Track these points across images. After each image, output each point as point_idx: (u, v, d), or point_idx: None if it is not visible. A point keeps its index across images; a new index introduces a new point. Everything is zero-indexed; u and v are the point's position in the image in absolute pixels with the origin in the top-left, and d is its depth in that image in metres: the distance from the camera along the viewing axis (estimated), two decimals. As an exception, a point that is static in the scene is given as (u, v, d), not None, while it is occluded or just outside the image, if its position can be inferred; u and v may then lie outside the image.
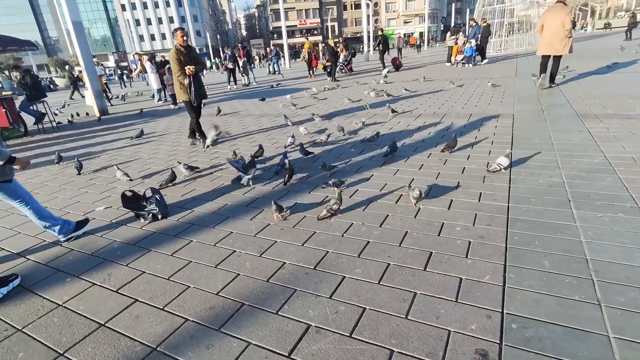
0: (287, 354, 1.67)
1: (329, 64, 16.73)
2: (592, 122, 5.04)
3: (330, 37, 50.55)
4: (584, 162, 3.63)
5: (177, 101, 10.26)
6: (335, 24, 70.04)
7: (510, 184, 3.30)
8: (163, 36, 70.79)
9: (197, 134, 5.87)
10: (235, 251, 2.60)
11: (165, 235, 2.94)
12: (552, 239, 2.39)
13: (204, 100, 5.96)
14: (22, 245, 2.99)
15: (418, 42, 34.78)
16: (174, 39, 5.39)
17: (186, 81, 5.29)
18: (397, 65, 16.26)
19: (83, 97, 13.91)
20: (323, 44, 22.17)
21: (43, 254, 2.83)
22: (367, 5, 35.46)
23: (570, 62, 10.95)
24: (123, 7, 69.20)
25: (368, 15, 36.47)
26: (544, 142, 4.34)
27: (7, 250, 2.94)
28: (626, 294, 1.85)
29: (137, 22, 69.07)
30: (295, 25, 68.84)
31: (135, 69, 17.32)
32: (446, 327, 1.74)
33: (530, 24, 22.47)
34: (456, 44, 15.80)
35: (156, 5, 70.17)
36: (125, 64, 63.68)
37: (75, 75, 18.36)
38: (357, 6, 70.03)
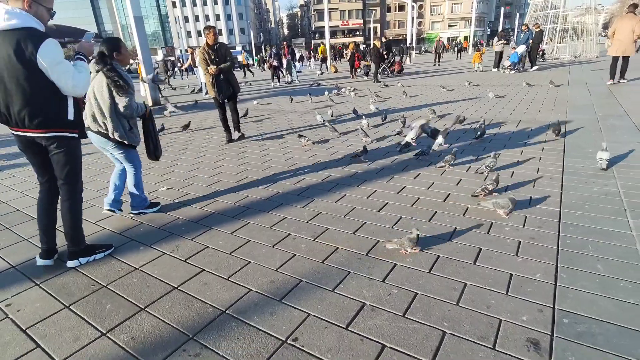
0: (345, 327, 1.82)
1: (368, 63, 16.82)
2: (652, 134, 4.82)
3: (372, 38, 50.30)
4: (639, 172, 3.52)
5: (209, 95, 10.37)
6: (378, 25, 69.55)
7: (562, 190, 3.27)
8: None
9: (224, 128, 6.00)
10: (290, 234, 2.78)
11: (224, 216, 3.18)
12: (607, 245, 2.38)
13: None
14: (97, 217, 3.33)
15: (459, 47, 33.46)
16: (205, 37, 5.50)
17: (211, 79, 5.46)
18: (399, 70, 16.90)
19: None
20: (365, 45, 22.22)
21: (117, 225, 3.15)
22: (412, 7, 35.06)
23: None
24: (174, 4, 72.31)
25: (412, 18, 36.03)
26: (600, 150, 4.21)
27: (86, 220, 3.28)
28: (685, 302, 1.85)
29: (186, 19, 71.97)
30: (338, 26, 69.03)
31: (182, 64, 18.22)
32: (497, 316, 1.82)
33: (585, 30, 21.39)
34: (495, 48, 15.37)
35: (204, 3, 72.79)
36: (172, 58, 66.89)
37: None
38: (401, 8, 69.28)
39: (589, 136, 4.94)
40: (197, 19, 73.51)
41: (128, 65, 3.54)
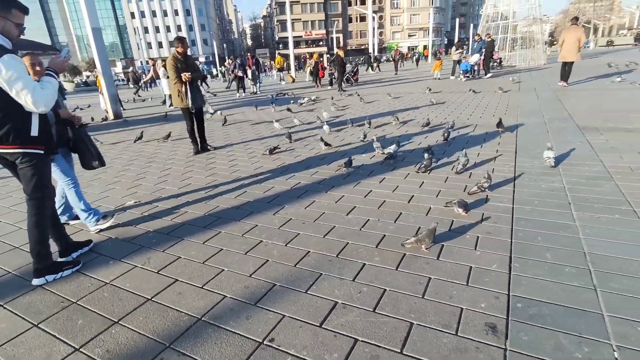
0: (318, 325, 1.89)
1: (332, 72, 17.24)
2: (592, 134, 5.29)
3: (335, 48, 51.35)
4: (583, 171, 3.87)
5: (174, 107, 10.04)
6: (341, 35, 71.10)
7: (514, 188, 3.53)
8: (171, 44, 71.61)
9: (191, 140, 5.92)
10: (262, 241, 2.84)
11: (195, 226, 3.18)
12: (554, 235, 2.62)
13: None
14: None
15: (417, 56, 34.67)
16: (174, 48, 5.47)
17: (183, 88, 5.43)
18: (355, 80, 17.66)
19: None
20: (329, 55, 22.63)
21: (82, 240, 3.06)
22: (373, 18, 36.23)
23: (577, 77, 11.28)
24: (132, 15, 70.54)
25: (374, 28, 37.20)
26: (546, 149, 4.57)
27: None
28: (619, 281, 2.08)
29: (146, 30, 70.32)
30: (301, 36, 69.90)
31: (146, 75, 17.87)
32: (459, 305, 1.97)
33: (533, 39, 22.99)
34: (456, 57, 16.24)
35: (165, 14, 71.50)
36: (133, 69, 64.85)
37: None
38: (363, 19, 71.14)
39: (538, 138, 5.34)
40: (157, 29, 72.01)
41: (79, 78, 3.48)
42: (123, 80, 40.97)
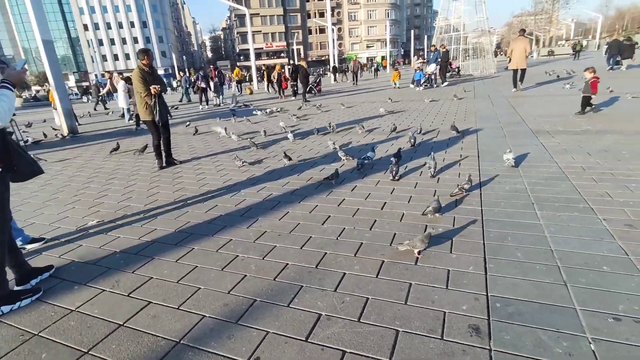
0: (304, 339, 1.85)
1: (294, 83, 17.36)
2: (545, 137, 5.65)
3: (297, 59, 51.84)
4: (541, 172, 4.10)
5: (140, 121, 9.84)
6: (301, 47, 71.89)
7: (481, 190, 3.68)
8: (127, 56, 69.55)
9: (155, 154, 5.73)
10: (238, 256, 2.75)
11: (166, 244, 3.03)
12: (522, 234, 2.74)
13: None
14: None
15: (376, 67, 35.55)
16: (139, 60, 5.33)
17: (152, 101, 5.29)
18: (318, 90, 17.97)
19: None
20: (290, 66, 22.60)
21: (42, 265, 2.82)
22: (332, 30, 36.97)
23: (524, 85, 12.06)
24: (85, 27, 67.64)
25: (333, 40, 37.93)
26: (505, 153, 4.82)
27: None
28: (586, 276, 2.20)
29: (100, 42, 67.55)
30: (262, 48, 69.97)
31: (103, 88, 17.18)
32: (441, 309, 2.00)
33: (483, 50, 24.40)
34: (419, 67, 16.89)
35: (120, 26, 69.15)
36: (86, 83, 61.85)
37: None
38: (322, 31, 72.48)
39: (497, 141, 5.62)
40: (112, 42, 69.39)
41: (27, 92, 3.29)
42: (77, 94, 39.14)
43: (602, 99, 8.65)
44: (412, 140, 5.71)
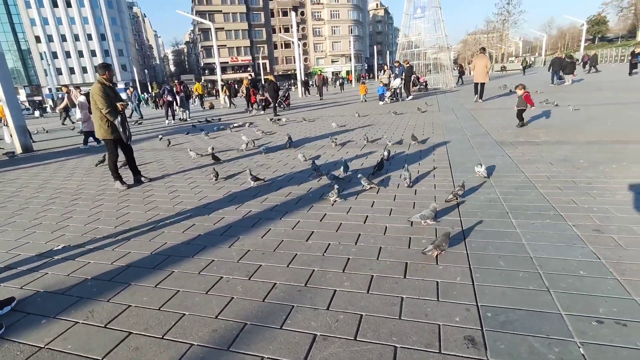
0: (302, 362, 1.79)
1: (263, 97, 17.40)
2: (510, 148, 5.95)
3: (262, 73, 51.93)
4: (511, 181, 4.30)
5: (100, 139, 8.92)
6: (267, 61, 72.23)
7: (457, 201, 3.79)
8: (84, 70, 66.65)
9: (113, 174, 5.42)
10: (222, 277, 2.64)
11: (143, 268, 2.86)
12: (501, 243, 2.83)
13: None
14: (-32, 294, 2.68)
15: (342, 81, 36.21)
16: (99, 75, 5.11)
17: (116, 118, 5.05)
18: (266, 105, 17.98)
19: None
20: (265, 83, 22.29)
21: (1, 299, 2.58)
22: (298, 45, 37.47)
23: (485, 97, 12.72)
24: (38, 39, 64.26)
25: (299, 54, 38.39)
26: (476, 165, 5.02)
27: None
28: (565, 281, 2.30)
29: (55, 55, 64.38)
30: (227, 62, 69.57)
31: (60, 103, 16.28)
32: (435, 322, 2.01)
33: (442, 65, 25.60)
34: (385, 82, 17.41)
35: (76, 39, 66.34)
36: (39, 98, 58.53)
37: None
38: (287, 45, 73.31)
39: (466, 153, 5.85)
40: (67, 54, 66.35)
41: None
42: (29, 109, 37.00)
43: (543, 111, 9.29)
44: (387, 153, 5.82)
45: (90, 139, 9.84)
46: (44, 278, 2.82)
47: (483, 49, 14.18)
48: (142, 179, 5.63)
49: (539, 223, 3.14)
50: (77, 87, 16.10)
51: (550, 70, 19.84)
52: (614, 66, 36.10)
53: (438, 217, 3.40)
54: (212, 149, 7.05)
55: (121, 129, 5.15)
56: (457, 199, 3.77)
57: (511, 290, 2.23)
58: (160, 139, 9.96)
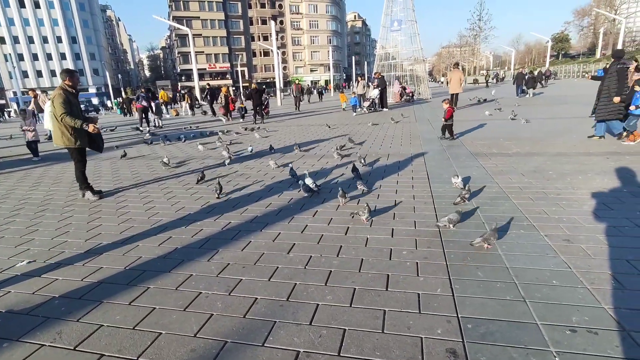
0: (285, 381, 1.75)
1: (242, 106, 17.38)
2: (484, 159, 6.13)
3: (241, 81, 51.63)
4: (486, 192, 4.43)
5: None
6: (245, 69, 71.93)
7: (435, 212, 3.86)
8: (52, 73, 64.17)
9: (80, 183, 5.18)
10: (201, 292, 2.57)
11: (116, 284, 2.74)
12: (479, 254, 2.90)
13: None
14: None
15: (321, 90, 36.46)
16: (62, 81, 4.88)
17: (79, 124, 4.75)
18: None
19: None
20: (245, 88, 21.87)
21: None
22: (277, 53, 37.61)
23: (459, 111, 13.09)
24: (2, 40, 61.48)
25: (279, 63, 38.55)
26: (452, 177, 5.14)
27: None
28: (540, 290, 2.37)
29: (21, 57, 61.73)
30: (205, 69, 68.79)
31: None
32: (418, 335, 2.02)
33: (417, 77, 26.29)
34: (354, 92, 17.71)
35: (45, 41, 63.96)
36: (2, 101, 55.77)
37: None
38: (266, 54, 73.36)
39: (443, 164, 5.99)
40: (35, 57, 63.79)
41: None
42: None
43: (506, 124, 9.68)
44: (363, 161, 5.91)
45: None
46: (6, 297, 2.65)
47: (457, 64, 16.15)
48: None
49: (514, 233, 3.24)
50: (44, 91, 15.47)
51: (515, 84, 21.82)
52: (575, 81, 38.14)
53: (417, 226, 3.45)
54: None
55: (86, 138, 4.98)
56: (464, 201, 3.96)
57: (490, 301, 2.28)
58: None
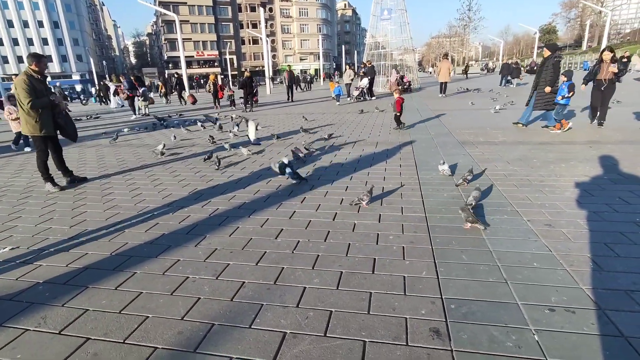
0: (272, 360, 1.77)
1: (231, 93, 17.20)
2: (470, 147, 6.20)
3: (229, 69, 50.88)
4: (472, 179, 4.48)
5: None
6: (234, 57, 70.82)
7: (422, 198, 3.91)
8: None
9: (43, 174, 4.96)
10: (188, 277, 2.57)
11: (101, 270, 2.72)
12: (464, 238, 2.95)
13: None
14: None
15: (310, 79, 35.03)
16: (27, 65, 4.68)
17: (40, 113, 4.61)
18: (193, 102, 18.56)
19: None
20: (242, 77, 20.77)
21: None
22: (267, 41, 37.10)
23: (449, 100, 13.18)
24: (-21, 24, 59.26)
25: (268, 51, 38.05)
26: (439, 164, 5.20)
27: None
28: (521, 272, 2.43)
29: (0, 42, 59.54)
30: (193, 56, 67.51)
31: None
32: (403, 315, 2.06)
33: (407, 66, 26.24)
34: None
35: (25, 25, 61.76)
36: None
37: None
38: (255, 42, 72.24)
39: (430, 152, 6.04)
40: (15, 42, 61.68)
41: None
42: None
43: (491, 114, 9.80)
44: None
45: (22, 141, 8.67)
46: (-10, 282, 2.61)
47: (446, 55, 17.89)
48: (78, 177, 5.30)
49: (498, 218, 3.30)
50: (40, 77, 14.99)
51: (500, 74, 22.58)
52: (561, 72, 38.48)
53: (404, 212, 3.49)
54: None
55: (49, 127, 4.81)
56: (467, 183, 4.16)
57: (473, 283, 2.34)
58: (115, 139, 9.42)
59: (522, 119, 8.04)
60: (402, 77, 22.31)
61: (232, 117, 11.87)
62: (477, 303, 2.13)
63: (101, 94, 27.26)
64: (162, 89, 23.42)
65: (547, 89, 7.37)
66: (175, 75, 21.45)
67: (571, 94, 7.09)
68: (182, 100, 20.92)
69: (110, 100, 22.71)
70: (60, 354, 1.88)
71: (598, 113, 7.73)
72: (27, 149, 8.36)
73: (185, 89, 22.23)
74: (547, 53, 7.80)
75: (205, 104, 19.43)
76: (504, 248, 2.77)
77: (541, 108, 7.69)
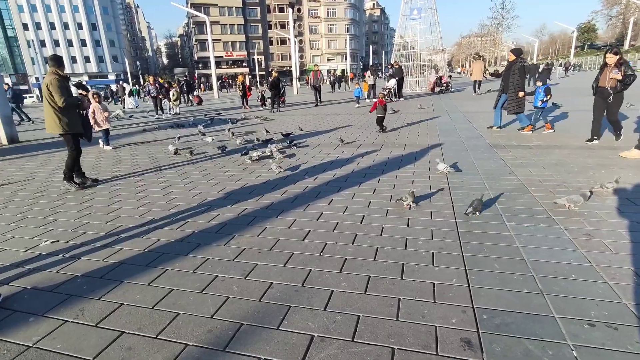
0: (299, 363, 1.78)
1: (261, 92, 17.42)
2: (502, 151, 6.01)
3: (257, 69, 51.62)
4: (504, 184, 4.34)
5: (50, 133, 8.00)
6: (262, 57, 71.80)
7: (452, 203, 3.81)
8: (73, 59, 65.49)
9: (74, 174, 5.17)
10: (217, 276, 2.61)
11: (135, 265, 2.82)
12: (496, 245, 2.86)
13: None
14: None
15: (333, 80, 33.41)
16: (50, 67, 4.87)
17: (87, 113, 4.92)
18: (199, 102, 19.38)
19: None
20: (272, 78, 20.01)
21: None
22: (294, 42, 37.39)
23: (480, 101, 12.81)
24: (25, 26, 62.86)
25: (295, 52, 38.35)
26: (470, 168, 5.06)
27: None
28: (559, 284, 2.33)
29: (43, 43, 62.94)
30: (222, 57, 68.95)
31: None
32: (432, 324, 2.01)
33: (437, 67, 25.69)
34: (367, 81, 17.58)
35: (66, 27, 65.02)
36: (25, 86, 57.25)
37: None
38: (283, 42, 72.92)
39: (460, 155, 5.89)
40: (56, 43, 65.02)
41: None
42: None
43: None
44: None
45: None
46: (32, 275, 2.76)
47: (478, 55, 20.60)
48: (88, 180, 5.38)
49: (532, 226, 3.18)
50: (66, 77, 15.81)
51: (528, 75, 21.41)
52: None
53: (433, 217, 3.42)
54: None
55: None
56: (479, 213, 3.44)
57: (506, 293, 2.25)
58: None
59: (495, 123, 8.24)
60: (440, 78, 21.79)
61: (230, 130, 9.62)
62: (510, 314, 2.05)
63: (117, 95, 28.16)
64: (176, 89, 24.07)
65: (521, 94, 7.55)
66: (184, 78, 22.76)
67: (548, 97, 7.52)
68: (189, 101, 22.20)
69: (125, 103, 23.60)
70: (97, 346, 1.96)
71: (606, 126, 6.88)
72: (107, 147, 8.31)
73: (192, 90, 23.37)
74: (512, 57, 7.83)
75: (234, 103, 19.80)
76: (539, 257, 2.66)
77: (514, 111, 7.79)
